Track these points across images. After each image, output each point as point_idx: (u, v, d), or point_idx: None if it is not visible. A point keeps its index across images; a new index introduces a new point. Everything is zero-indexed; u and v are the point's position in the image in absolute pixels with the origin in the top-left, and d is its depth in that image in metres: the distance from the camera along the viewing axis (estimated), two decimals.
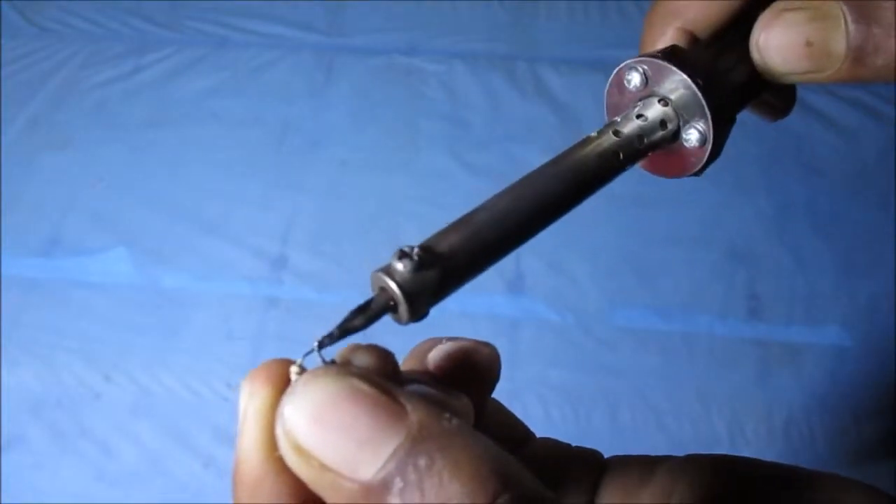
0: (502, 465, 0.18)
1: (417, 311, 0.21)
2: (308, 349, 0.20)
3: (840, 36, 0.24)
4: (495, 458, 0.18)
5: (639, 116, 0.26)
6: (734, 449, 0.72)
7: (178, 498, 0.69)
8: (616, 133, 0.25)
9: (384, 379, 0.19)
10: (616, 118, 0.26)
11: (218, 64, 1.02)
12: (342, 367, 0.20)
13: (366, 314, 0.21)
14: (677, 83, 0.25)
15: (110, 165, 0.92)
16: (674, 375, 0.76)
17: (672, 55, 0.26)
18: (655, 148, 0.26)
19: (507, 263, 0.84)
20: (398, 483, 0.17)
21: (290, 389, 0.19)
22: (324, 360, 0.20)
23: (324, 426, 0.18)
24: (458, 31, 1.05)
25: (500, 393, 0.27)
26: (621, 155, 0.25)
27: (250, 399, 0.20)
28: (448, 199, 0.87)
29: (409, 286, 0.20)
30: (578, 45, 1.03)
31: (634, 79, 0.26)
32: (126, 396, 0.75)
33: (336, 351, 0.21)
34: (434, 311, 0.21)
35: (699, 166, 0.26)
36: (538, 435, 0.29)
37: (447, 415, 0.18)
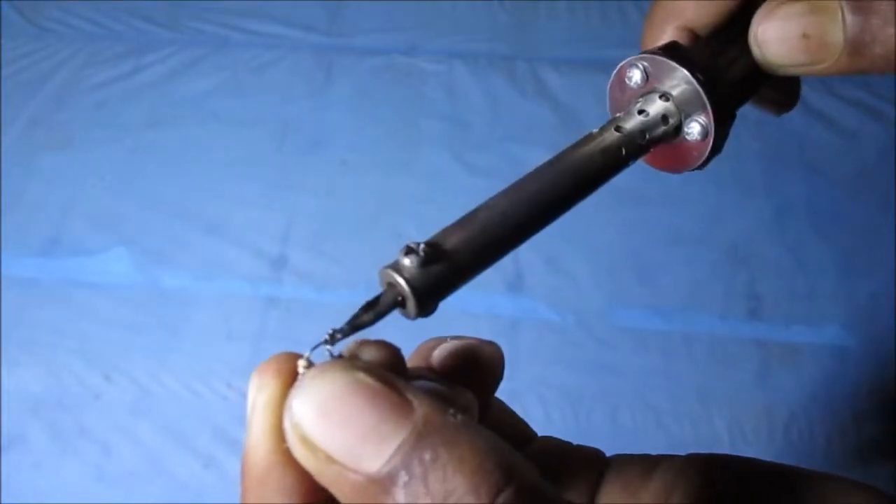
0: (505, 460, 0.18)
1: (425, 305, 0.21)
2: (315, 344, 0.20)
3: (837, 27, 0.24)
4: (499, 453, 0.18)
5: (640, 112, 0.26)
6: (734, 449, 0.72)
7: (178, 498, 0.69)
8: (618, 129, 0.25)
9: (391, 374, 0.19)
10: (618, 114, 0.26)
11: (218, 64, 1.02)
12: (349, 362, 0.20)
13: (375, 310, 0.21)
14: (678, 78, 0.25)
15: (110, 165, 0.92)
16: (674, 375, 0.76)
17: (672, 51, 0.26)
18: (658, 143, 0.26)
19: (506, 263, 0.84)
20: (403, 476, 0.17)
21: (297, 383, 0.19)
22: (331, 355, 0.21)
23: (330, 419, 0.18)
24: (458, 31, 1.05)
25: (501, 392, 0.27)
26: (624, 150, 0.25)
27: (259, 392, 0.20)
28: (448, 199, 0.87)
29: (417, 281, 0.21)
30: (578, 45, 1.03)
31: (635, 76, 0.26)
32: (126, 396, 0.75)
33: (344, 345, 0.21)
34: (435, 311, 0.21)
35: (701, 160, 0.26)
36: (539, 434, 0.29)
37: (452, 410, 0.18)
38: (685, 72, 0.25)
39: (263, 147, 0.94)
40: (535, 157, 1.01)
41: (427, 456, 0.17)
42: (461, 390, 0.23)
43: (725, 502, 0.25)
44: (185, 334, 0.79)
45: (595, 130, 0.26)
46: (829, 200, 0.89)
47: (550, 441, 0.29)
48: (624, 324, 0.79)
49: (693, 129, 0.26)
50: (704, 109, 0.25)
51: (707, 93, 0.25)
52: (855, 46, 0.24)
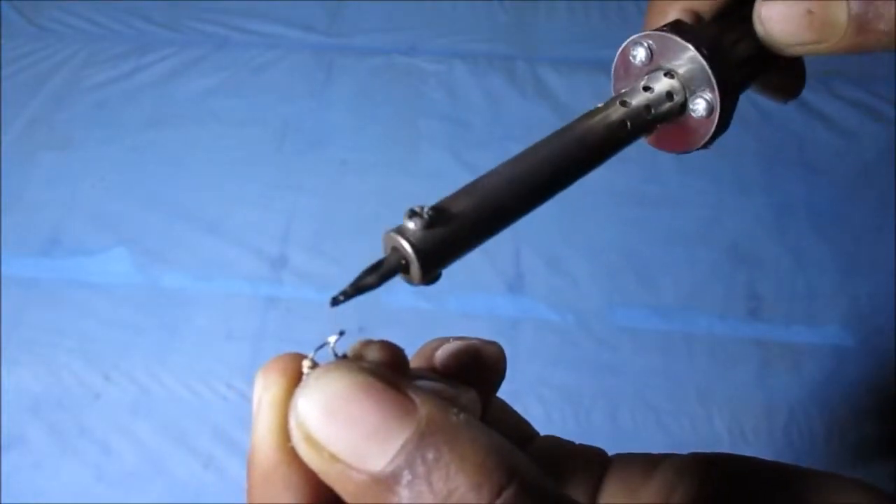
0: (507, 458, 0.18)
1: (429, 270, 0.21)
2: (319, 344, 0.21)
3: (841, 5, 0.24)
4: (501, 451, 0.18)
5: (646, 89, 0.26)
6: (734, 448, 0.72)
7: (178, 498, 0.69)
8: (623, 104, 0.25)
9: (394, 374, 0.20)
10: (623, 90, 0.26)
11: (218, 64, 1.02)
12: (353, 362, 0.20)
13: (378, 272, 0.21)
14: (683, 56, 0.25)
15: (110, 165, 0.92)
16: (674, 375, 0.76)
17: (677, 28, 0.26)
18: (663, 120, 0.26)
19: (506, 263, 0.84)
20: (406, 476, 0.18)
21: (303, 382, 0.20)
22: (336, 355, 0.21)
23: (335, 419, 0.18)
24: (458, 31, 1.05)
25: (501, 392, 0.27)
26: (629, 125, 0.25)
27: (264, 390, 0.21)
28: None
29: (421, 244, 0.21)
30: (578, 45, 1.03)
31: (640, 54, 0.26)
32: (126, 396, 0.75)
33: (348, 346, 0.22)
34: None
35: (707, 137, 0.26)
36: (540, 433, 0.30)
37: (455, 409, 0.19)
38: (691, 48, 0.25)
39: (263, 147, 0.94)
40: None
41: (430, 455, 0.18)
42: (464, 389, 0.23)
43: (725, 501, 0.25)
44: (185, 334, 0.79)
45: (600, 105, 0.25)
46: (829, 200, 0.89)
47: (552, 440, 0.29)
48: (624, 324, 0.79)
49: (698, 106, 0.26)
50: (710, 86, 0.25)
51: (713, 69, 0.25)
52: (859, 24, 0.24)
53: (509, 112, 0.96)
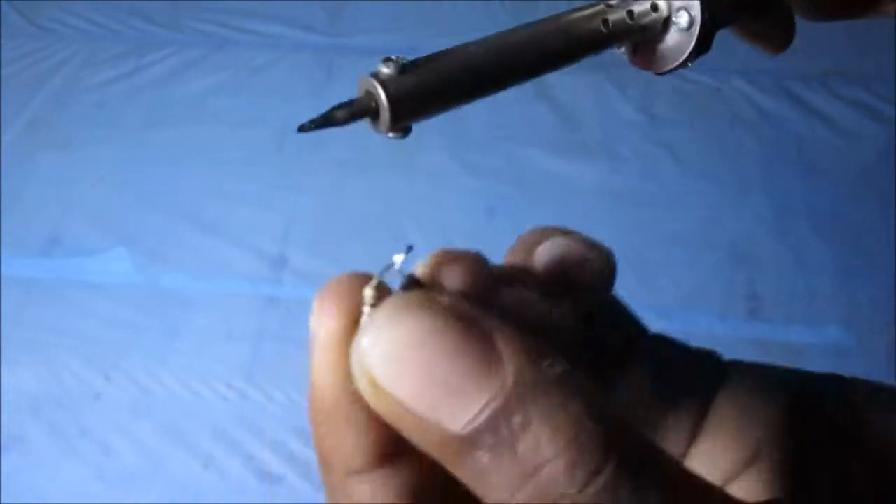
0: (604, 429, 0.16)
1: (398, 117, 0.21)
2: (386, 265, 0.18)
3: None
4: (598, 420, 0.16)
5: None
6: None
7: (178, 498, 0.69)
8: (608, 6, 0.26)
9: (478, 310, 0.17)
10: None
11: (218, 64, 1.02)
12: (429, 298, 0.17)
13: (349, 109, 0.20)
14: None
15: (110, 165, 0.92)
16: None
17: None
18: (644, 30, 0.26)
19: None
20: (488, 439, 0.16)
21: (366, 319, 0.17)
22: (407, 281, 0.18)
23: (406, 367, 0.16)
24: (458, 31, 1.04)
25: None
26: (610, 24, 0.25)
27: (318, 324, 0.18)
28: (448, 199, 0.87)
29: (393, 88, 0.20)
30: None
31: None
32: (126, 396, 0.75)
33: (418, 263, 0.18)
34: (409, 133, 0.21)
35: (687, 52, 0.27)
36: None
37: (548, 361, 0.16)
38: None
39: (263, 147, 0.94)
40: (535, 157, 1.01)
41: (517, 420, 0.15)
42: (558, 302, 0.20)
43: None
44: (185, 334, 0.79)
45: (584, 3, 0.26)
46: (829, 200, 0.89)
47: (662, 343, 0.26)
48: None
49: (681, 19, 0.26)
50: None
51: None
52: None
53: (509, 112, 0.96)
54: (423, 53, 0.22)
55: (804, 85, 0.98)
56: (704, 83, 0.97)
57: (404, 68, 0.20)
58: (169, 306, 0.81)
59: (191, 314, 0.80)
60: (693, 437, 0.24)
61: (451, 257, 0.19)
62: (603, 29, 0.25)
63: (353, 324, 0.17)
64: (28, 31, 1.06)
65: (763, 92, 0.97)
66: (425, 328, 0.16)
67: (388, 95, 0.20)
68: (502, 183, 0.87)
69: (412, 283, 0.18)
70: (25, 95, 0.99)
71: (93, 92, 0.99)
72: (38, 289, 0.82)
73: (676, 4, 0.26)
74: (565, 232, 0.22)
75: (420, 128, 0.22)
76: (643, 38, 0.27)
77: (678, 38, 0.27)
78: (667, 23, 0.27)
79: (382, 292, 0.17)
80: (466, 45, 0.23)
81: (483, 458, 0.16)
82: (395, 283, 0.18)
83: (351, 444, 0.18)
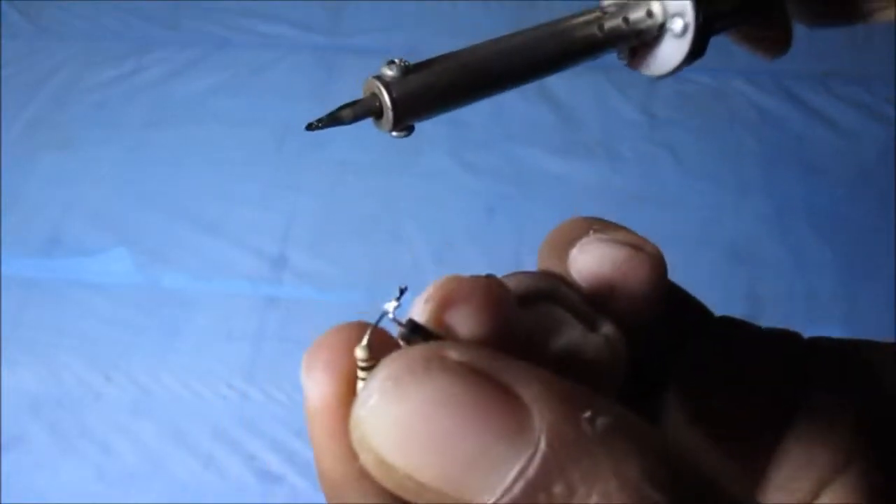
0: (662, 479, 0.13)
1: (401, 117, 0.21)
2: (380, 314, 0.15)
3: None
4: (661, 487, 0.13)
5: (629, 5, 0.27)
6: None
7: (178, 498, 0.69)
8: (604, 12, 0.26)
9: (499, 356, 0.14)
10: (605, 2, 0.27)
11: (218, 64, 1.02)
12: (434, 356, 0.14)
13: (354, 109, 0.21)
14: None
15: (110, 165, 0.92)
16: None
17: None
18: (640, 35, 0.27)
19: (507, 265, 0.84)
20: None
21: (363, 387, 0.14)
22: (407, 330, 0.15)
23: (415, 442, 0.13)
24: (458, 31, 1.05)
25: None
26: (605, 29, 0.26)
27: (310, 390, 0.15)
28: (448, 199, 0.87)
29: (396, 90, 0.21)
30: None
31: None
32: (126, 396, 0.75)
33: (421, 304, 0.15)
34: (411, 132, 0.22)
35: (682, 57, 0.27)
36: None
37: (588, 412, 0.13)
38: None
39: (263, 147, 0.94)
40: (535, 157, 1.01)
41: (558, 489, 0.13)
42: (604, 321, 0.17)
43: None
44: (185, 334, 0.79)
45: (580, 11, 0.26)
46: (829, 200, 0.89)
47: (731, 326, 0.23)
48: None
49: (675, 25, 0.26)
50: (690, 3, 0.26)
51: None
52: None
53: (509, 112, 0.96)
54: (423, 53, 0.22)
55: (804, 85, 0.98)
56: (704, 83, 0.97)
57: (407, 70, 0.21)
58: (169, 306, 0.81)
59: (191, 314, 0.80)
60: (777, 442, 0.21)
61: (458, 293, 0.15)
62: (599, 34, 0.26)
63: (349, 389, 0.15)
64: (28, 31, 1.06)
65: (763, 92, 0.97)
66: (434, 397, 0.13)
67: (391, 97, 0.21)
68: (502, 183, 0.87)
69: (414, 332, 0.15)
70: (25, 95, 0.99)
71: (93, 92, 0.99)
72: (38, 289, 0.82)
73: (671, 11, 0.26)
74: (604, 226, 0.19)
75: (420, 128, 0.22)
76: (639, 44, 0.27)
77: (673, 44, 0.27)
78: (662, 29, 0.27)
79: (377, 351, 0.15)
80: (466, 49, 0.24)
81: None
82: (394, 329, 0.15)
83: None
